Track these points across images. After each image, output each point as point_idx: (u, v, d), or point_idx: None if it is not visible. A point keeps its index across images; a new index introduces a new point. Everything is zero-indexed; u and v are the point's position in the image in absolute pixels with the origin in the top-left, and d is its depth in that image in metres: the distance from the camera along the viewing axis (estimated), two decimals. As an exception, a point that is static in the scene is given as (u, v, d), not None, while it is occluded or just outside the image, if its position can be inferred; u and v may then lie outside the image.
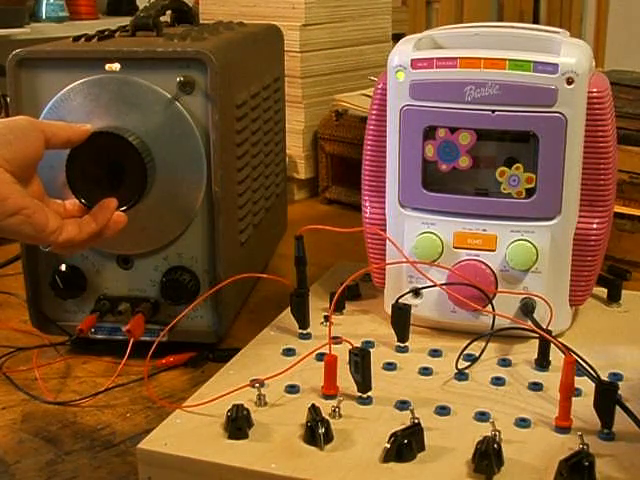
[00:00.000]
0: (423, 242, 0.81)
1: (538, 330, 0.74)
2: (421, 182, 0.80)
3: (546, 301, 0.78)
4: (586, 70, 0.75)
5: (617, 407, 0.64)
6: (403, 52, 0.80)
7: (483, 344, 0.77)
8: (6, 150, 0.67)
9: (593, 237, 0.79)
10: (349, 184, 1.33)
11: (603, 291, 0.90)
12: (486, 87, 0.76)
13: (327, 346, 0.70)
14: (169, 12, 1.00)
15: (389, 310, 0.80)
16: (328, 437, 0.63)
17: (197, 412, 0.68)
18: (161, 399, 0.76)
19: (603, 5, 3.53)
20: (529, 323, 0.76)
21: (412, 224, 0.82)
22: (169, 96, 0.79)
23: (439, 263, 0.80)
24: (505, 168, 0.78)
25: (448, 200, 0.80)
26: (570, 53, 0.75)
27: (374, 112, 0.83)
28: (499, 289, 0.79)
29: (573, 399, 0.65)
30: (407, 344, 0.79)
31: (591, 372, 0.68)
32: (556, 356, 0.73)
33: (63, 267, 0.84)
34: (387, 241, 0.84)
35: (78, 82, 0.80)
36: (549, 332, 0.74)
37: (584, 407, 0.66)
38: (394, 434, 0.61)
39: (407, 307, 0.79)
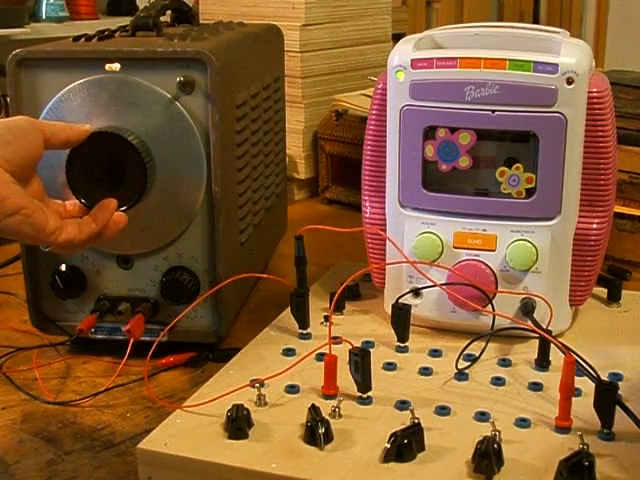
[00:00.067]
0: (423, 242, 0.81)
1: (538, 330, 0.74)
2: (421, 182, 0.80)
3: (546, 301, 0.78)
4: (586, 70, 0.75)
5: (617, 407, 0.64)
6: (403, 52, 0.80)
7: (483, 344, 0.77)
8: (5, 150, 0.67)
9: (593, 237, 0.80)
10: (349, 184, 1.33)
11: (603, 291, 0.90)
12: (486, 87, 0.76)
13: (327, 346, 0.70)
14: (169, 12, 1.00)
15: (389, 310, 0.80)
16: (328, 437, 0.63)
17: (197, 412, 0.68)
18: (161, 399, 0.76)
19: (603, 5, 3.53)
20: (529, 323, 0.76)
21: (412, 224, 0.82)
22: (169, 96, 0.79)
23: (439, 263, 0.80)
24: (505, 168, 0.78)
25: (448, 200, 0.80)
26: (570, 53, 0.75)
27: (374, 112, 0.83)
28: (499, 289, 0.79)
29: (573, 399, 0.65)
30: (407, 344, 0.79)
31: (591, 372, 0.68)
32: (556, 356, 0.73)
33: (63, 267, 0.84)
34: (387, 241, 0.84)
35: (78, 82, 0.80)
36: (549, 332, 0.74)
37: (584, 407, 0.66)
38: (394, 434, 0.61)
39: (407, 307, 0.79)
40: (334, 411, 0.67)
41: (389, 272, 0.85)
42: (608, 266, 0.99)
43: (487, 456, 0.59)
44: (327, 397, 0.70)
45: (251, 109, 0.93)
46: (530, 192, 0.78)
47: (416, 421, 0.63)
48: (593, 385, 0.65)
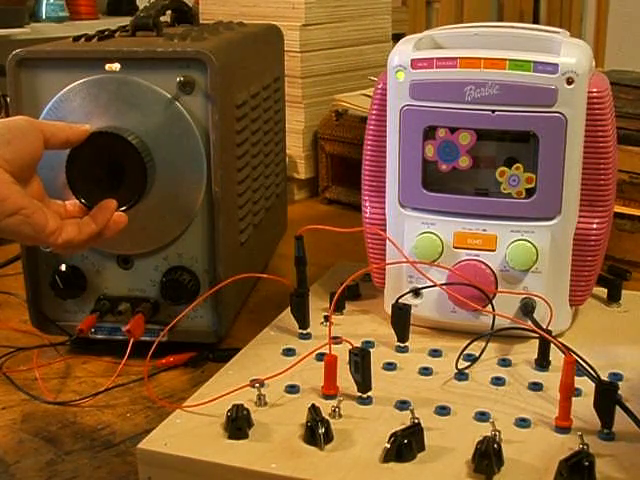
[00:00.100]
0: (423, 242, 0.81)
1: (538, 330, 0.74)
2: (421, 182, 0.80)
3: (546, 301, 0.78)
4: (586, 70, 0.75)
5: (617, 407, 0.64)
6: (403, 52, 0.80)
7: (483, 344, 0.77)
8: (5, 150, 0.67)
9: (593, 237, 0.80)
10: (349, 184, 1.33)
11: (603, 291, 0.90)
12: (486, 87, 0.76)
13: (327, 346, 0.70)
14: (169, 12, 1.00)
15: (389, 310, 0.80)
16: (328, 437, 0.63)
17: (197, 412, 0.68)
18: (161, 399, 0.76)
19: (603, 5, 3.53)
20: (529, 323, 0.76)
21: (412, 224, 0.82)
22: (169, 96, 0.79)
23: (439, 263, 0.80)
24: (505, 168, 0.78)
25: (448, 200, 0.80)
26: (570, 53, 0.75)
27: (374, 112, 0.83)
28: (499, 289, 0.79)
29: (573, 399, 0.65)
30: (407, 344, 0.79)
31: (591, 372, 0.68)
32: (556, 356, 0.73)
33: (63, 267, 0.84)
34: (387, 241, 0.84)
35: (78, 82, 0.80)
36: (549, 332, 0.74)
37: (584, 407, 0.66)
38: (394, 434, 0.61)
39: (407, 307, 0.79)
40: (334, 411, 0.67)
41: (389, 272, 0.85)
42: (608, 266, 0.99)
43: (487, 456, 0.59)
44: (327, 397, 0.70)
45: (251, 109, 0.93)
46: (530, 192, 0.78)
47: (416, 421, 0.63)
48: (593, 385, 0.65)
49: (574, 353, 0.66)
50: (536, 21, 3.49)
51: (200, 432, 0.65)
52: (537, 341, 0.76)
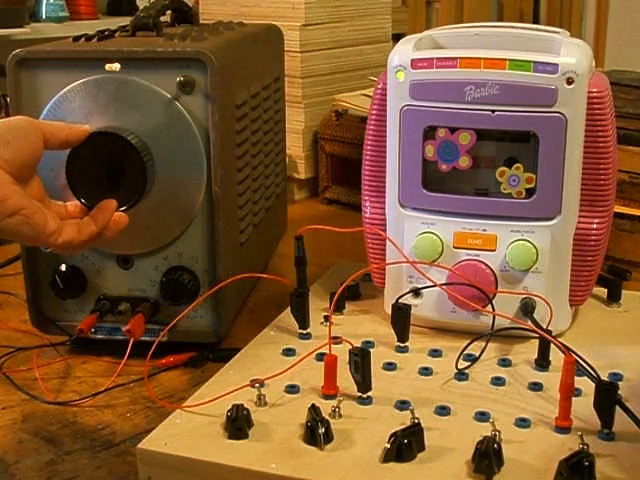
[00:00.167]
0: (423, 242, 0.81)
1: (538, 330, 0.74)
2: (421, 182, 0.80)
3: (546, 301, 0.78)
4: (586, 70, 0.75)
5: (617, 407, 0.64)
6: (403, 52, 0.80)
7: (483, 344, 0.77)
8: (5, 150, 0.67)
9: (593, 237, 0.80)
10: (349, 184, 1.33)
11: (603, 291, 0.90)
12: (486, 87, 0.76)
13: (327, 346, 0.70)
14: (169, 12, 1.00)
15: (389, 310, 0.80)
16: (328, 437, 0.63)
17: (197, 412, 0.68)
18: (161, 399, 0.76)
19: (603, 5, 3.53)
20: (529, 323, 0.76)
21: (412, 224, 0.82)
22: (169, 96, 0.79)
23: (439, 263, 0.80)
24: (505, 168, 0.78)
25: (448, 200, 0.80)
26: (570, 53, 0.75)
27: (374, 112, 0.83)
28: (499, 289, 0.79)
29: (573, 399, 0.65)
30: (407, 344, 0.79)
31: (591, 372, 0.68)
32: (556, 356, 0.73)
33: (63, 267, 0.84)
34: (387, 241, 0.84)
35: (78, 82, 0.80)
36: (549, 332, 0.74)
37: (584, 407, 0.66)
38: (394, 434, 0.61)
39: (407, 307, 0.79)
40: (334, 411, 0.67)
41: (389, 272, 0.85)
42: (608, 266, 0.99)
43: (487, 456, 0.59)
44: (327, 397, 0.70)
45: (251, 109, 0.93)
46: (530, 192, 0.78)
47: (416, 421, 0.63)
48: (593, 385, 0.65)
49: (574, 353, 0.66)
50: (536, 21, 3.49)
51: (200, 432, 0.65)
52: (537, 341, 0.76)
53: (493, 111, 0.76)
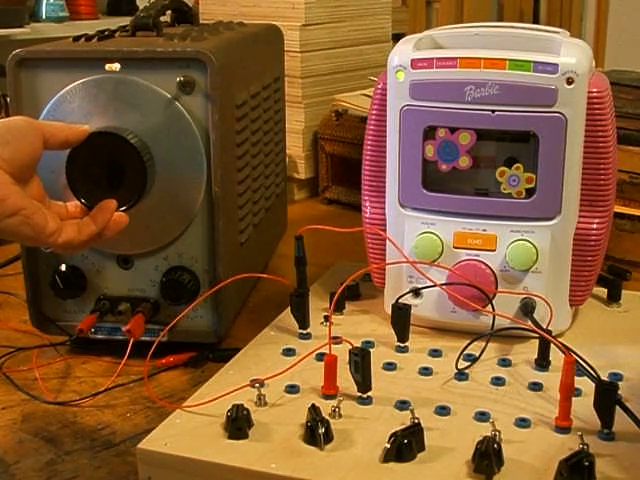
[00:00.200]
0: (423, 242, 0.81)
1: (538, 330, 0.74)
2: (421, 182, 0.80)
3: (546, 301, 0.78)
4: (586, 70, 0.75)
5: (617, 407, 0.64)
6: (403, 52, 0.80)
7: (483, 344, 0.77)
8: (4, 151, 0.67)
9: (593, 237, 0.80)
10: (349, 184, 1.33)
11: (603, 291, 0.90)
12: (486, 87, 0.76)
13: (327, 346, 0.70)
14: (169, 12, 1.00)
15: (389, 310, 0.80)
16: (328, 437, 0.63)
17: (197, 412, 0.68)
18: (161, 399, 0.76)
19: (603, 5, 3.53)
20: (529, 323, 0.76)
21: (412, 224, 0.82)
22: (169, 96, 0.79)
23: (439, 263, 0.80)
24: (505, 168, 0.78)
25: (448, 200, 0.80)
26: (570, 53, 0.75)
27: (374, 112, 0.83)
28: (499, 289, 0.79)
29: (573, 399, 0.65)
30: (407, 344, 0.79)
31: (591, 372, 0.68)
32: (556, 356, 0.73)
33: (63, 267, 0.84)
34: (387, 241, 0.84)
35: (78, 82, 0.80)
36: (549, 332, 0.74)
37: (584, 407, 0.66)
38: (394, 434, 0.61)
39: (407, 307, 0.79)
40: (334, 411, 0.67)
41: (389, 272, 0.85)
42: (608, 266, 0.99)
43: (487, 456, 0.59)
44: (327, 397, 0.70)
45: (251, 109, 0.93)
46: (530, 192, 0.78)
47: (416, 421, 0.63)
48: (593, 385, 0.65)
49: (574, 353, 0.66)
50: (536, 21, 3.49)
51: (200, 432, 0.65)
52: (537, 341, 0.76)
53: (493, 111, 0.76)
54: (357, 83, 1.44)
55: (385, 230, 0.84)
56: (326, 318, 0.85)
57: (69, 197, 0.76)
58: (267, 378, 0.71)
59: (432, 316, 0.82)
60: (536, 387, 0.72)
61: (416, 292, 0.82)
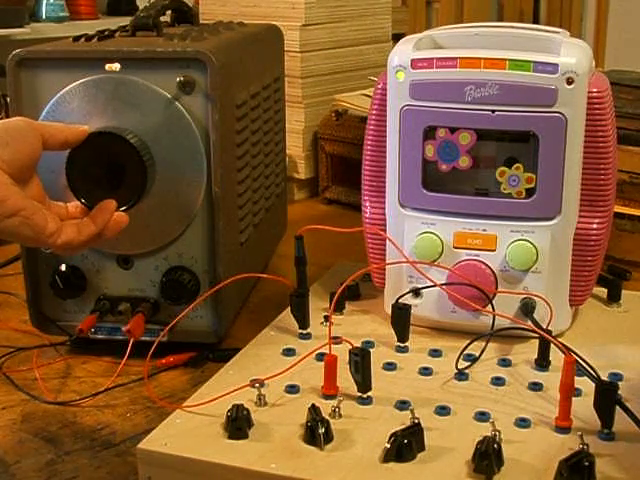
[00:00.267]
0: (423, 242, 0.81)
1: (538, 330, 0.74)
2: (421, 182, 0.80)
3: (546, 301, 0.78)
4: (586, 70, 0.75)
5: (617, 407, 0.64)
6: (403, 52, 0.80)
7: (483, 344, 0.77)
8: (4, 151, 0.67)
9: (593, 237, 0.80)
10: (349, 184, 1.33)
11: (603, 291, 0.90)
12: (486, 87, 0.76)
13: (327, 346, 0.70)
14: (169, 12, 1.00)
15: (389, 310, 0.80)
16: (328, 437, 0.63)
17: (197, 412, 0.68)
18: (161, 399, 0.76)
19: (603, 5, 3.53)
20: (529, 323, 0.76)
21: (412, 224, 0.82)
22: (169, 96, 0.79)
23: (439, 263, 0.80)
24: (505, 168, 0.78)
25: (448, 200, 0.80)
26: (570, 53, 0.75)
27: (374, 112, 0.83)
28: (499, 289, 0.79)
29: (573, 399, 0.65)
30: (407, 344, 0.79)
31: (591, 372, 0.68)
32: (556, 356, 0.73)
33: (63, 267, 0.84)
34: (387, 241, 0.84)
35: (78, 82, 0.80)
36: (549, 332, 0.74)
37: (584, 407, 0.66)
38: (394, 434, 0.61)
39: (407, 307, 0.79)
40: (334, 411, 0.67)
41: (389, 272, 0.85)
42: (608, 266, 0.99)
43: (487, 456, 0.59)
44: (327, 397, 0.70)
45: (251, 109, 0.93)
46: (530, 192, 0.78)
47: (416, 421, 0.63)
48: (593, 385, 0.65)
49: (574, 353, 0.66)
50: (536, 21, 3.49)
51: (200, 432, 0.65)
52: (537, 341, 0.76)
53: (493, 111, 0.76)
54: (357, 83, 1.44)
55: (385, 230, 0.84)
56: (326, 318, 0.85)
57: (69, 197, 0.76)
58: (267, 378, 0.71)
59: (432, 316, 0.82)
60: (536, 387, 0.72)
61: (416, 292, 0.82)
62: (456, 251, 0.80)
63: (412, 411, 0.64)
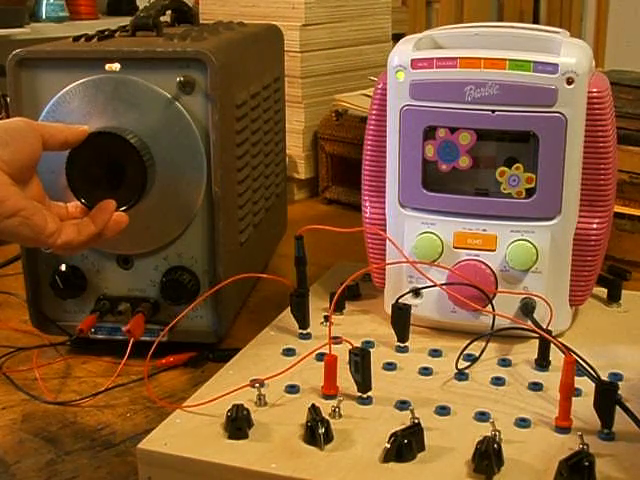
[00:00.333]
0: (423, 242, 0.81)
1: (538, 330, 0.74)
2: (421, 182, 0.80)
3: (546, 301, 0.78)
4: (586, 70, 0.75)
5: (617, 407, 0.64)
6: (403, 52, 0.80)
7: (483, 344, 0.77)
8: (3, 152, 0.67)
9: (593, 237, 0.80)
10: (349, 184, 1.33)
11: (603, 291, 0.90)
12: (486, 87, 0.76)
13: (327, 346, 0.70)
14: (169, 12, 1.00)
15: (389, 310, 0.80)
16: (328, 437, 0.63)
17: (197, 412, 0.68)
18: (161, 399, 0.76)
19: (603, 5, 3.53)
20: (529, 323, 0.76)
21: (412, 224, 0.82)
22: (169, 96, 0.79)
23: (439, 263, 0.80)
24: (505, 168, 0.78)
25: (448, 200, 0.80)
26: (570, 53, 0.75)
27: (374, 112, 0.83)
28: (499, 289, 0.79)
29: (573, 399, 0.65)
30: (407, 344, 0.79)
31: (591, 372, 0.68)
32: (556, 356, 0.73)
33: (63, 267, 0.84)
34: (387, 241, 0.84)
35: (78, 82, 0.80)
36: (549, 332, 0.74)
37: (584, 407, 0.66)
38: (394, 434, 0.61)
39: (407, 307, 0.79)
40: (334, 411, 0.67)
41: (389, 272, 0.85)
42: (608, 266, 0.99)
43: (487, 456, 0.59)
44: (327, 397, 0.70)
45: (251, 109, 0.93)
46: (530, 192, 0.78)
47: (416, 421, 0.63)
48: (593, 385, 0.65)
49: (574, 353, 0.66)
50: (536, 21, 3.49)
51: (200, 432, 0.65)
52: (537, 341, 0.76)
53: (493, 111, 0.76)
54: (357, 83, 1.44)
55: (385, 230, 0.84)
56: (326, 318, 0.85)
57: (69, 197, 0.76)
58: (267, 378, 0.71)
59: (432, 316, 0.82)
60: (536, 387, 0.72)
61: (416, 292, 0.82)
62: (456, 251, 0.80)
63: (412, 411, 0.64)
